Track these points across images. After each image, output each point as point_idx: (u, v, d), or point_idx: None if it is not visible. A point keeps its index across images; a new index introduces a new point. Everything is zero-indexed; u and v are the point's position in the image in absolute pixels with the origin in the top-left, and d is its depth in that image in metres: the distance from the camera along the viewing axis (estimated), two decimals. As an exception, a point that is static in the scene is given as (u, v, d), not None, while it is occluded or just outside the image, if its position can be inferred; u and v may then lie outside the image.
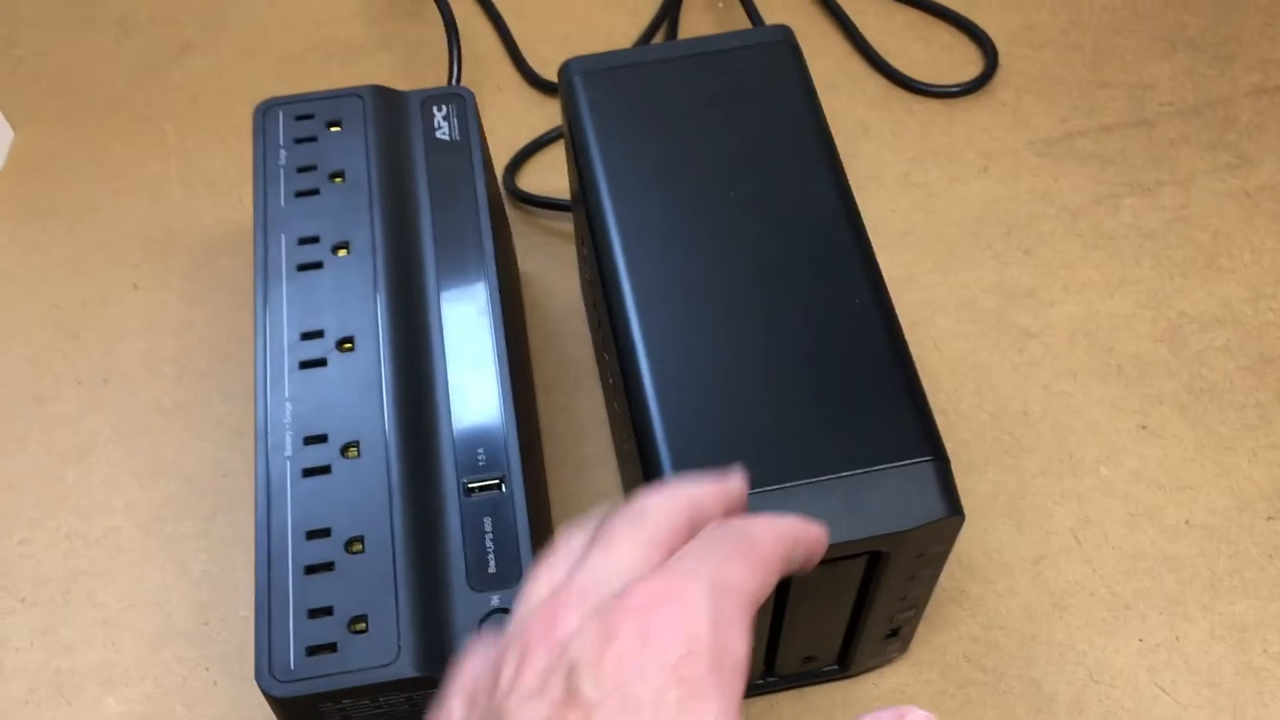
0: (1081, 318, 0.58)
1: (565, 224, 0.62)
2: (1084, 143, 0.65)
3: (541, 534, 0.43)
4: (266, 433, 0.42)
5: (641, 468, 0.39)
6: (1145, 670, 0.48)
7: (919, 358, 0.40)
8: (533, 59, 0.69)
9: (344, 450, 0.41)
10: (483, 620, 0.38)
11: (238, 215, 0.63)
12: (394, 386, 0.42)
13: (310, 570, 0.39)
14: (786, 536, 0.31)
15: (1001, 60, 0.68)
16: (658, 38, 0.70)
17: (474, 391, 0.43)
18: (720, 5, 0.72)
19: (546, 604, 0.28)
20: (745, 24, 0.70)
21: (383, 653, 0.37)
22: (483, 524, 0.40)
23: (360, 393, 0.42)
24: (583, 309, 0.59)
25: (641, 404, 0.39)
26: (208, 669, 0.49)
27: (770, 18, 0.70)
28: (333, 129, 0.49)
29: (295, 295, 0.45)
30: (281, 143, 0.49)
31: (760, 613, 0.34)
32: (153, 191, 0.64)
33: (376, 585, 0.38)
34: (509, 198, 0.63)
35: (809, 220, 0.43)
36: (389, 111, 0.50)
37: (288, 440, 0.41)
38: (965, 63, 0.68)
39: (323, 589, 0.38)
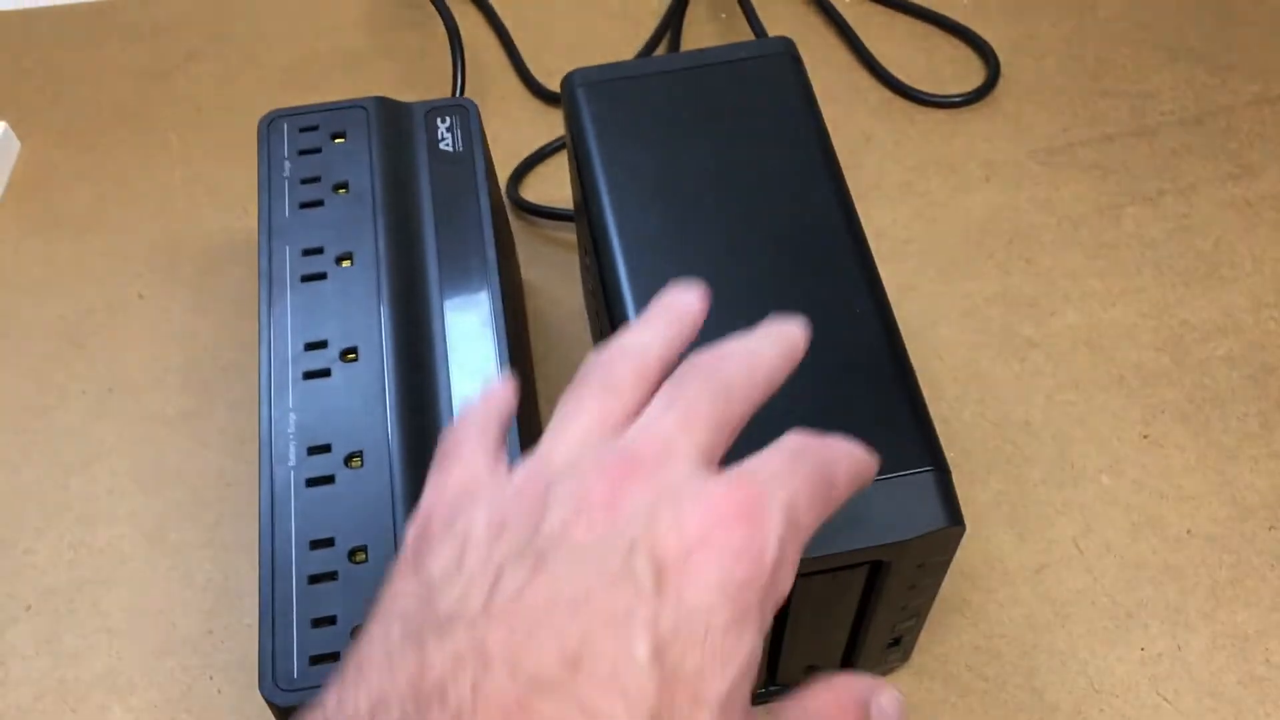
0: (1083, 327, 0.58)
1: (568, 234, 0.62)
2: (1086, 152, 0.65)
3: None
4: (270, 442, 0.42)
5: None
6: (1147, 680, 0.48)
7: (921, 367, 0.41)
8: (536, 69, 0.69)
9: (347, 460, 0.41)
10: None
11: (242, 225, 0.63)
12: (397, 397, 0.42)
13: (314, 580, 0.39)
14: (857, 480, 0.30)
15: (1003, 70, 0.68)
16: (660, 49, 0.70)
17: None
18: (723, 16, 0.72)
19: (615, 463, 0.27)
20: (748, 35, 0.70)
21: (386, 662, 0.37)
22: (485, 533, 0.40)
23: (364, 403, 0.42)
24: (585, 318, 0.59)
25: (643, 414, 0.39)
26: (211, 677, 0.49)
27: (773, 29, 0.70)
28: (337, 140, 0.50)
29: (299, 306, 0.45)
30: (286, 154, 0.49)
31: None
32: (158, 201, 0.65)
33: (380, 595, 0.38)
34: (512, 207, 0.63)
35: (810, 230, 0.43)
36: (393, 123, 0.51)
37: (291, 450, 0.41)
38: (967, 73, 0.69)
39: (326, 598, 0.38)
